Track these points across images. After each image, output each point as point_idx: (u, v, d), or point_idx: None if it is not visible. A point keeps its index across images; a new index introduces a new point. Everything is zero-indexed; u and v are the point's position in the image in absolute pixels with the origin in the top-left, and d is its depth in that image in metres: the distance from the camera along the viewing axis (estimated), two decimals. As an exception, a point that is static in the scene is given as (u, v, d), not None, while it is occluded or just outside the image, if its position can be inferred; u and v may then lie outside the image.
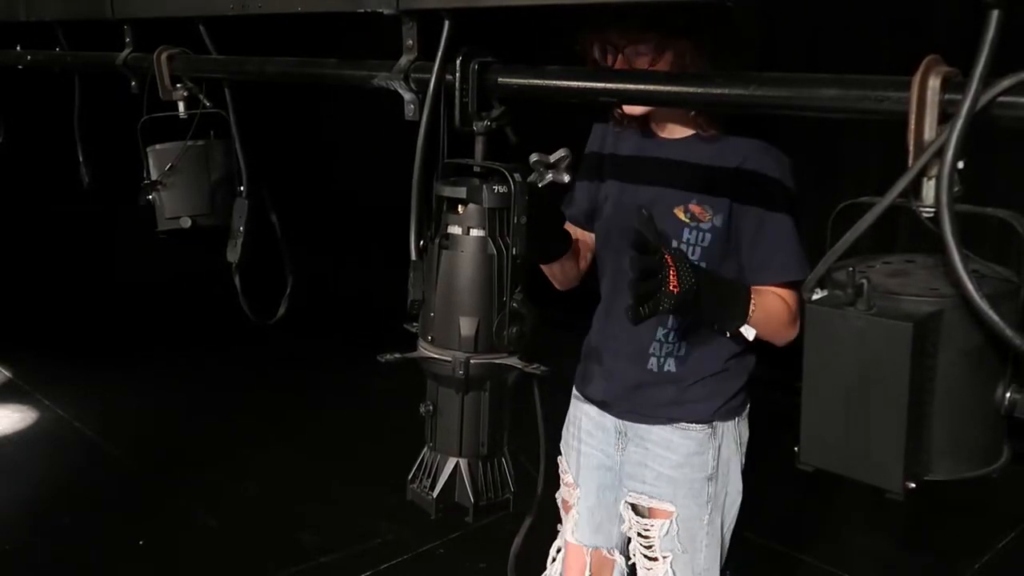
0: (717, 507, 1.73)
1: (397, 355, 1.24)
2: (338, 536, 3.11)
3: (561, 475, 1.92)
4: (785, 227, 1.56)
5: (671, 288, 1.31)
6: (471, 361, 1.20)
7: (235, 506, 3.34)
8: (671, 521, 1.71)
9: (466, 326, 1.19)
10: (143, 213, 2.03)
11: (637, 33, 1.47)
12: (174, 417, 4.09)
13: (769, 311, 1.51)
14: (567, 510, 1.91)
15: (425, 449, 1.29)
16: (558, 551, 1.95)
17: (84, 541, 3.10)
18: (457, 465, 1.25)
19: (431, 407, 1.26)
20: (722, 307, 1.46)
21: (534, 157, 1.24)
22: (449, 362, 1.21)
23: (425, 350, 1.24)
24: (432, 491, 1.25)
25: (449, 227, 1.23)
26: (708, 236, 1.58)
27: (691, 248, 1.59)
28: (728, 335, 1.54)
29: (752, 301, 1.47)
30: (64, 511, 3.30)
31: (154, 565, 2.98)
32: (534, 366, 1.22)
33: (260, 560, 2.98)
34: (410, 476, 1.30)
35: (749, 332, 1.48)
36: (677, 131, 1.63)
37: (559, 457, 1.91)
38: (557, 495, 1.93)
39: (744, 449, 1.76)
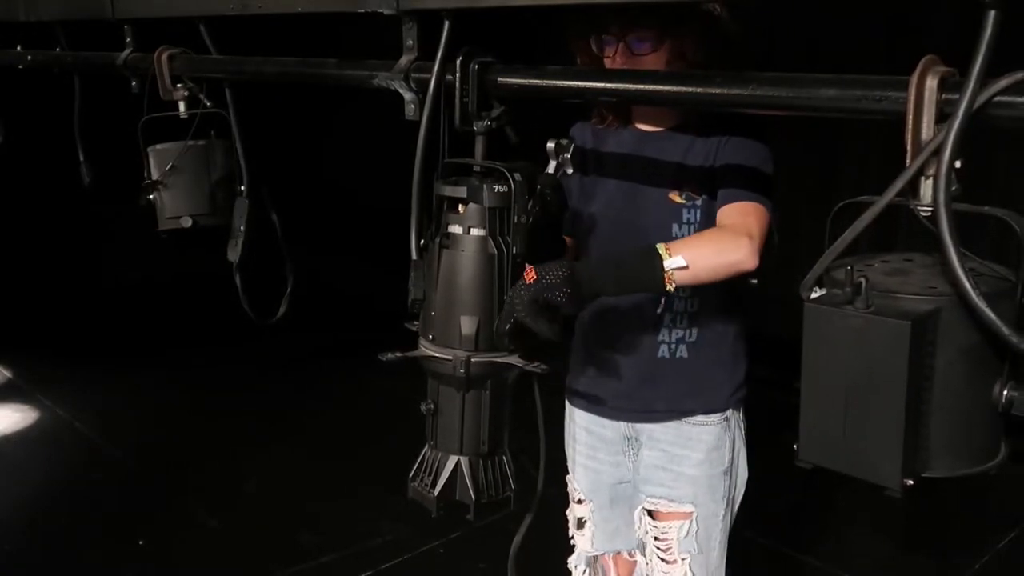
0: (730, 502, 1.72)
1: (398, 354, 1.24)
2: (338, 536, 3.10)
3: (570, 493, 1.87)
4: (756, 177, 1.52)
5: (527, 279, 1.17)
6: (472, 360, 1.20)
7: (235, 506, 3.34)
8: (691, 521, 1.68)
9: (467, 325, 1.20)
10: (144, 213, 2.03)
11: (639, 22, 1.48)
12: (174, 417, 4.09)
13: (694, 244, 1.38)
14: (580, 527, 1.87)
15: (426, 447, 1.30)
16: (580, 564, 1.92)
17: (84, 541, 3.09)
18: (458, 463, 1.26)
19: (432, 406, 1.26)
20: (627, 269, 1.30)
21: (551, 144, 1.23)
22: (450, 361, 1.21)
23: (426, 349, 1.24)
24: (433, 489, 1.26)
25: (450, 226, 1.24)
26: (700, 212, 1.58)
27: (691, 227, 1.58)
28: (671, 287, 1.32)
29: (664, 246, 1.29)
30: (64, 511, 3.29)
31: (154, 565, 2.97)
32: (534, 364, 1.22)
33: (260, 560, 2.98)
34: (411, 474, 1.30)
35: (677, 262, 1.27)
36: (660, 124, 1.63)
37: (567, 476, 1.87)
38: (568, 512, 1.90)
39: (745, 438, 1.75)
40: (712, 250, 1.35)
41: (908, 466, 0.87)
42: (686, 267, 1.27)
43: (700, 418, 1.67)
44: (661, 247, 1.28)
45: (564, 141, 1.24)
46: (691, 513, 1.69)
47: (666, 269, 1.27)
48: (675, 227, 1.59)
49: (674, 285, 1.28)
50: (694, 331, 1.65)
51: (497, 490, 1.28)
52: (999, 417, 0.91)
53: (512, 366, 1.23)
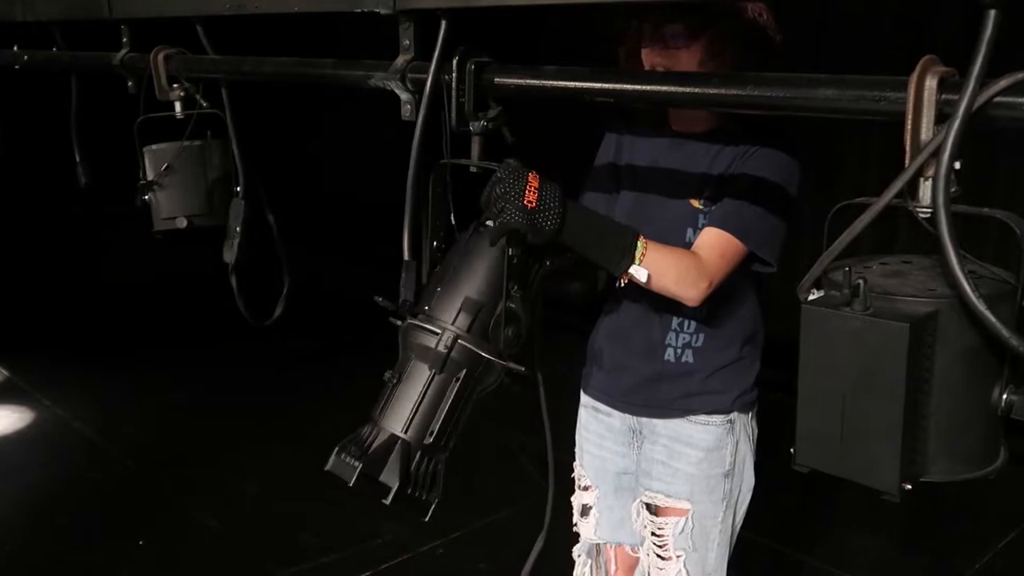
0: (731, 505, 1.73)
1: (393, 305, 1.21)
2: (338, 536, 3.10)
3: (577, 479, 1.90)
4: (757, 202, 1.52)
5: (524, 201, 1.16)
6: (459, 340, 1.15)
7: (235, 506, 3.34)
8: (687, 519, 1.70)
9: (468, 306, 1.17)
10: (140, 213, 2.03)
11: (675, 13, 1.47)
12: (174, 417, 4.09)
13: (668, 259, 1.40)
14: (585, 514, 1.89)
15: (367, 424, 1.19)
16: (583, 554, 1.93)
17: (84, 541, 3.09)
18: (396, 442, 1.15)
19: (396, 378, 1.18)
20: (600, 242, 1.31)
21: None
22: (437, 334, 1.16)
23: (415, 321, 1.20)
24: (359, 461, 1.14)
25: (487, 221, 1.21)
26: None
27: None
28: (623, 282, 1.39)
29: (643, 243, 1.33)
30: (64, 511, 3.29)
31: (154, 565, 2.97)
32: (516, 365, 1.19)
33: (260, 560, 2.97)
34: (338, 447, 1.18)
35: (640, 273, 1.33)
36: (693, 127, 1.63)
37: (574, 463, 1.89)
38: (573, 499, 1.91)
39: (754, 445, 1.76)
40: (673, 277, 1.42)
41: (906, 470, 0.87)
42: (644, 280, 1.33)
43: (703, 418, 1.69)
44: (639, 250, 1.31)
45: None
46: (687, 510, 1.70)
47: (629, 271, 1.32)
48: (689, 231, 1.60)
49: (624, 282, 1.34)
50: (701, 336, 1.66)
51: (423, 492, 1.17)
52: (998, 421, 0.90)
53: (491, 365, 1.18)
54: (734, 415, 1.69)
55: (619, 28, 1.56)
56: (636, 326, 1.70)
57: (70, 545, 3.07)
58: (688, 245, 1.58)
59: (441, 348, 1.15)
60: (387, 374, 1.19)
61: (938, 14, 3.77)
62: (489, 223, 1.19)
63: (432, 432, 1.16)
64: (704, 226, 1.57)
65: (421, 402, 1.16)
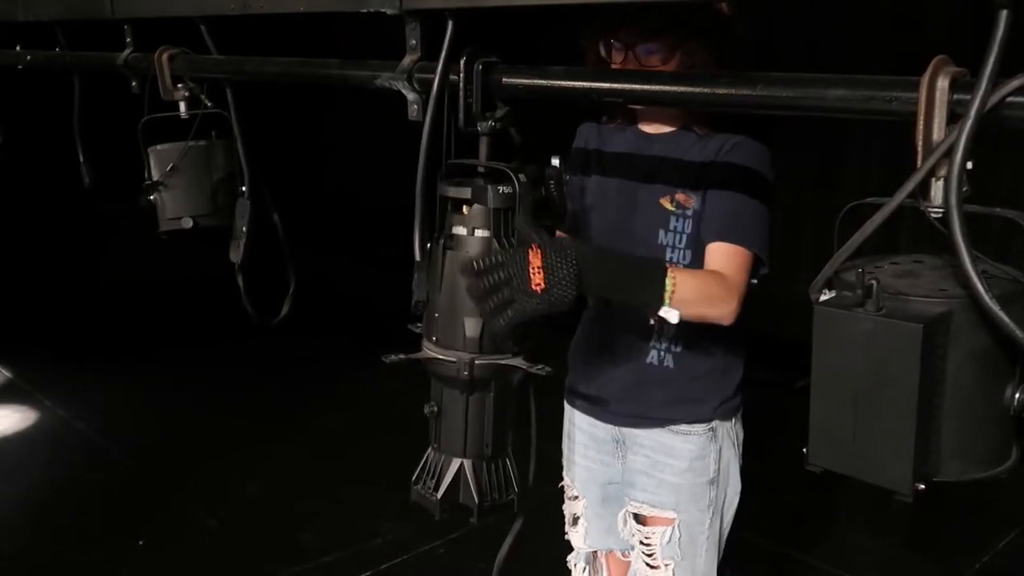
0: (717, 511, 1.72)
1: (402, 356, 1.23)
2: (338, 536, 3.10)
3: (565, 488, 1.90)
4: (748, 202, 1.52)
5: (532, 287, 1.08)
6: (476, 362, 1.19)
7: (235, 506, 3.34)
8: (673, 528, 1.70)
9: (470, 327, 1.19)
10: (145, 213, 2.02)
11: (651, 32, 1.47)
12: (174, 417, 4.08)
13: (696, 288, 1.36)
14: (575, 523, 1.89)
15: (429, 450, 1.29)
16: (579, 562, 1.94)
17: (84, 541, 3.09)
18: (461, 466, 1.25)
19: (435, 408, 1.25)
20: (627, 290, 1.27)
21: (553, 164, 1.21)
22: (454, 363, 1.20)
23: (429, 351, 1.23)
24: (436, 492, 1.25)
25: (453, 228, 1.23)
26: (691, 223, 1.58)
27: (678, 236, 1.58)
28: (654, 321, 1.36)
29: (672, 279, 1.26)
30: (64, 511, 3.29)
31: (154, 565, 2.97)
32: (539, 367, 1.21)
33: (260, 560, 2.97)
34: (414, 477, 1.29)
35: (671, 314, 1.27)
36: (664, 125, 1.63)
37: (563, 473, 1.89)
38: (564, 508, 1.92)
39: (740, 449, 1.75)
40: (705, 306, 1.39)
41: (919, 470, 0.87)
42: (676, 321, 1.29)
43: (684, 427, 1.68)
44: (667, 290, 1.26)
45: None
46: (673, 520, 1.70)
47: (660, 312, 1.27)
48: (661, 233, 1.59)
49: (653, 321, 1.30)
50: (680, 342, 1.66)
51: (500, 493, 1.27)
52: (1011, 421, 0.90)
53: (516, 368, 1.22)
54: (715, 423, 1.68)
55: (588, 37, 1.55)
56: (617, 331, 1.69)
57: (70, 545, 3.06)
58: (661, 246, 1.59)
59: (463, 375, 1.19)
60: (426, 408, 1.25)
61: (936, 15, 3.78)
62: (459, 231, 1.19)
63: (488, 444, 1.25)
64: (677, 229, 1.57)
65: (467, 424, 1.24)
